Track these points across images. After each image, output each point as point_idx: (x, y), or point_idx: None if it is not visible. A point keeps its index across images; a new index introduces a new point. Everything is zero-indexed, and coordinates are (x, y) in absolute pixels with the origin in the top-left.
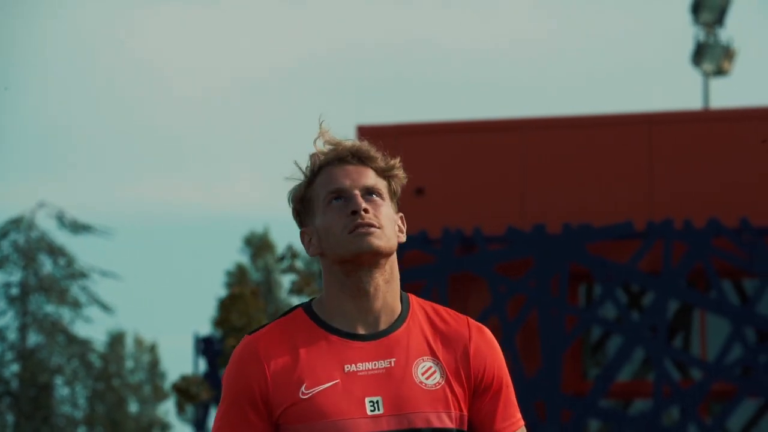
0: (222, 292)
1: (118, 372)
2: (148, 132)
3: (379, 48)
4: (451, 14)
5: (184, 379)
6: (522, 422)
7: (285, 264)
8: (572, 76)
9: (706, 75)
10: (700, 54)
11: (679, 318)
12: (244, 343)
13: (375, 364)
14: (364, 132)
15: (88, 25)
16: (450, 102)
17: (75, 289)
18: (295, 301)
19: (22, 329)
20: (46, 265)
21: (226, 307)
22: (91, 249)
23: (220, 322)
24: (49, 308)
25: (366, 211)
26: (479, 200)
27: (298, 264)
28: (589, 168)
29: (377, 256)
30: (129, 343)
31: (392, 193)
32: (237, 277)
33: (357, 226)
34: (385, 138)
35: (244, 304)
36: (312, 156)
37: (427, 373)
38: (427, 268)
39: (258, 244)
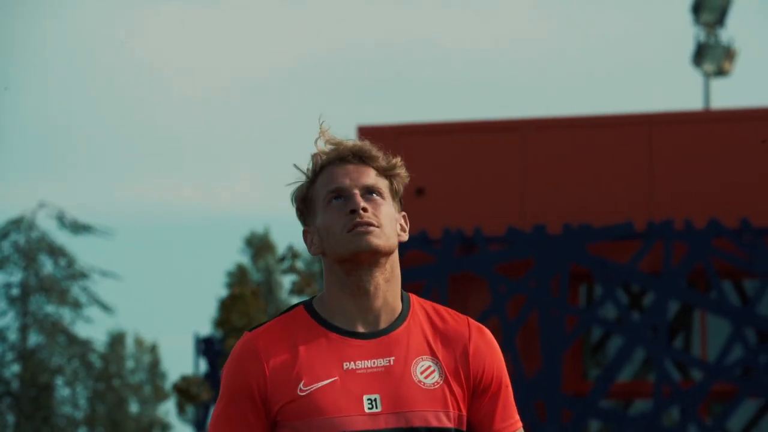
0: (223, 292)
1: (118, 372)
2: (148, 132)
3: (379, 48)
4: (451, 14)
5: (185, 379)
6: (520, 423)
7: (286, 264)
8: (572, 76)
9: (707, 75)
10: (700, 54)
11: (679, 318)
12: (243, 340)
13: (374, 362)
14: (364, 132)
15: (88, 25)
16: (450, 102)
17: (75, 290)
18: (296, 301)
19: (23, 329)
20: (47, 266)
21: (226, 307)
22: (91, 249)
23: (220, 322)
24: (50, 308)
25: (365, 210)
26: (479, 200)
27: (299, 264)
28: (589, 168)
29: (376, 255)
30: (129, 344)
31: (394, 192)
32: (237, 278)
33: (356, 225)
34: (385, 138)
35: (244, 304)
36: (314, 156)
37: (425, 373)
38: (428, 268)
39: (258, 245)
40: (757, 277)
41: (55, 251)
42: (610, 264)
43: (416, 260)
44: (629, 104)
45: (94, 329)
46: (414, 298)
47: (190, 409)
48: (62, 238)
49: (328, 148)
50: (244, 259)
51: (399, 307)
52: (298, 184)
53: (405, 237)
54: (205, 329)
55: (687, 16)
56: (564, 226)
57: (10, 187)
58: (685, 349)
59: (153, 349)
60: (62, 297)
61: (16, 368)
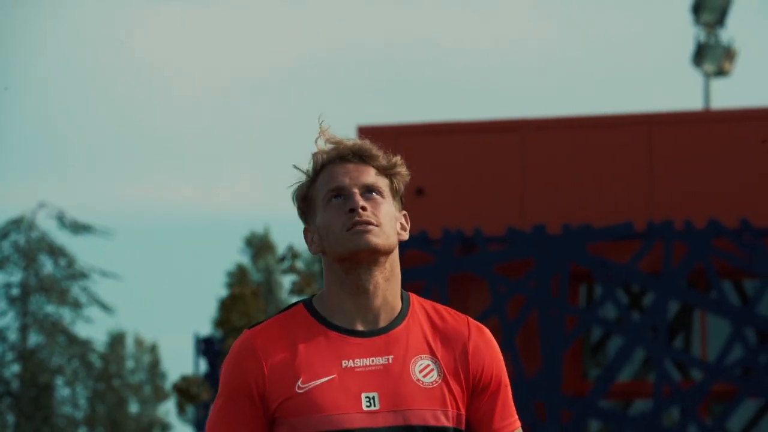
0: (222, 292)
1: (118, 372)
2: (148, 132)
3: (379, 48)
4: (451, 14)
5: (185, 379)
6: (519, 423)
7: (286, 264)
8: (572, 76)
9: (707, 75)
10: (700, 54)
11: (679, 318)
12: (242, 337)
13: (372, 360)
14: (364, 132)
15: (88, 25)
16: (450, 102)
17: (75, 290)
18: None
19: (23, 330)
20: (47, 266)
21: (226, 307)
22: (91, 249)
23: (220, 322)
24: (50, 308)
25: (364, 208)
26: (479, 201)
27: (299, 264)
28: (589, 168)
29: (375, 254)
30: (129, 344)
31: (394, 191)
32: (237, 278)
33: (355, 224)
34: (385, 138)
35: (244, 304)
36: (314, 155)
37: (424, 371)
38: (427, 268)
39: (258, 245)
40: (757, 277)
41: (55, 251)
42: (610, 264)
43: (416, 260)
44: (629, 104)
45: (94, 329)
46: (414, 297)
47: (190, 409)
48: (62, 238)
49: (328, 147)
50: (244, 259)
51: (399, 305)
52: (299, 183)
53: (405, 236)
54: (205, 329)
55: (687, 16)
56: (564, 226)
57: (10, 187)
58: (685, 349)
59: (153, 349)
60: (62, 297)
61: (16, 368)
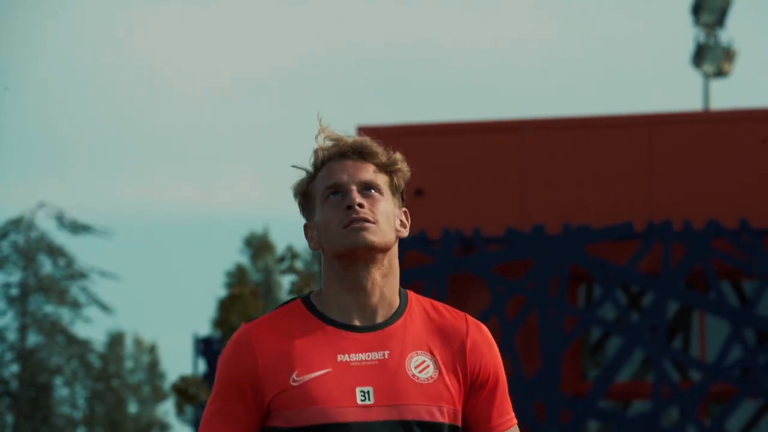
0: (222, 292)
1: (117, 372)
2: (148, 132)
3: (379, 48)
4: (451, 14)
5: (184, 379)
6: (515, 420)
7: (285, 265)
8: (572, 76)
9: (707, 76)
10: (700, 55)
11: (678, 319)
12: (239, 331)
13: (368, 355)
14: (363, 132)
15: (88, 26)
16: (450, 102)
17: (74, 290)
18: None
19: (22, 329)
20: (46, 266)
21: (225, 307)
22: (90, 249)
23: (219, 322)
24: (49, 308)
25: (361, 206)
26: (479, 201)
27: (298, 265)
28: (588, 169)
29: (372, 251)
30: (128, 344)
31: (394, 188)
32: (237, 278)
33: (351, 221)
34: (385, 139)
35: (243, 304)
36: (315, 151)
37: (420, 367)
38: (427, 268)
39: (258, 245)
40: (755, 277)
41: (55, 251)
42: (609, 265)
43: (415, 261)
44: (629, 105)
45: (93, 329)
46: (412, 295)
47: (189, 410)
48: (61, 238)
49: (329, 143)
50: (244, 260)
51: (396, 302)
52: (299, 180)
53: (405, 233)
54: (204, 329)
55: (687, 17)
56: (563, 226)
57: (10, 187)
58: (683, 349)
59: (152, 349)
60: (61, 297)
61: (15, 368)
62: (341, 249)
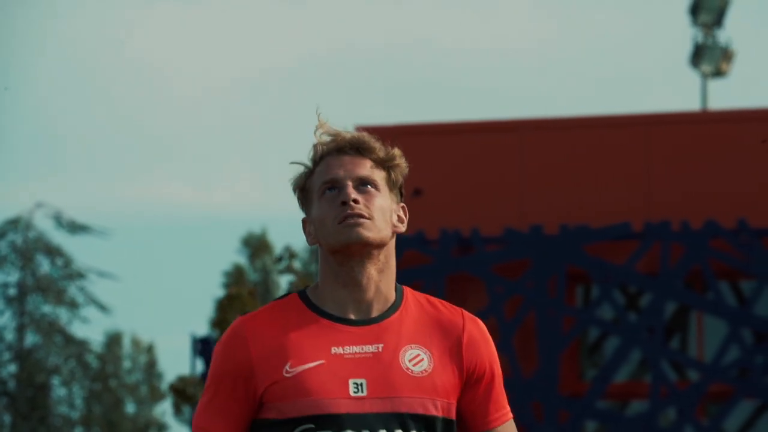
0: (219, 292)
1: (115, 372)
2: (146, 132)
3: (378, 48)
4: (451, 14)
5: (181, 379)
6: (511, 414)
7: (283, 265)
8: (570, 76)
9: (705, 76)
10: (698, 55)
11: (676, 319)
12: (235, 323)
13: (362, 348)
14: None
15: (87, 26)
16: (450, 103)
17: (72, 290)
18: None
19: (20, 329)
20: (44, 266)
21: (223, 307)
22: (88, 249)
23: (217, 322)
24: (47, 308)
25: (356, 201)
26: (477, 201)
27: (296, 265)
28: (587, 169)
29: (367, 247)
30: (126, 344)
31: (392, 184)
32: (234, 278)
33: (346, 216)
34: (383, 138)
35: (241, 304)
36: (314, 146)
37: (414, 360)
38: (425, 268)
39: (256, 245)
40: (754, 278)
41: (52, 251)
42: (608, 265)
43: (413, 261)
44: (627, 105)
45: (90, 329)
46: (408, 290)
47: (186, 410)
48: (59, 238)
49: (327, 139)
50: (241, 259)
51: (392, 297)
52: (298, 174)
53: (402, 228)
54: (202, 329)
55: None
56: (561, 226)
57: (8, 187)
58: (681, 349)
59: (149, 349)
60: (59, 297)
61: (12, 368)
62: (336, 244)
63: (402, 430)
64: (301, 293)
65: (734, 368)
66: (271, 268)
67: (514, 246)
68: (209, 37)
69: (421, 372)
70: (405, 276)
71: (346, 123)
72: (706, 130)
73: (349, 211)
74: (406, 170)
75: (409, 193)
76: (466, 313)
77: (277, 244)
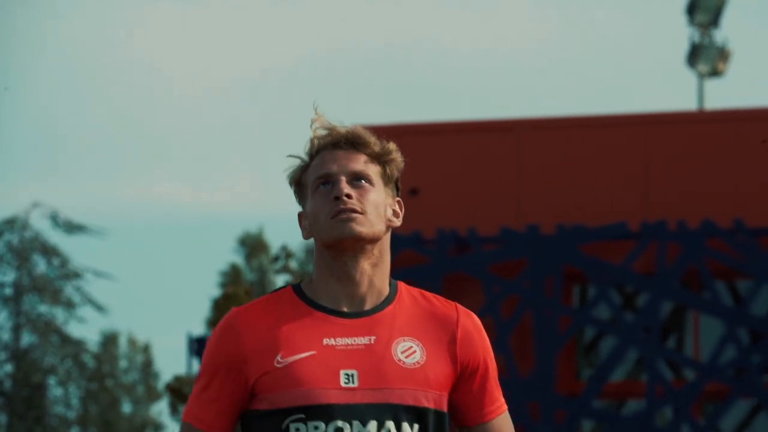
0: (216, 292)
1: (111, 372)
2: (146, 132)
3: (378, 48)
4: (451, 14)
5: (178, 379)
6: (506, 406)
7: (279, 264)
8: (567, 76)
9: (701, 76)
10: (695, 55)
11: (672, 319)
12: (229, 314)
13: (354, 339)
14: None
15: (87, 25)
16: (448, 102)
17: (69, 290)
18: None
19: (16, 329)
20: (40, 265)
21: (220, 307)
22: (85, 249)
23: (213, 322)
24: (43, 308)
25: (349, 196)
26: (474, 201)
27: (292, 264)
28: (583, 169)
29: (360, 242)
30: (122, 344)
31: (387, 178)
32: (231, 278)
33: (339, 211)
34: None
35: (238, 304)
36: (310, 140)
37: (406, 352)
38: (421, 268)
39: (252, 245)
40: (750, 277)
41: (49, 251)
42: (604, 264)
43: (410, 260)
44: (623, 105)
45: (87, 329)
46: (402, 284)
47: (183, 409)
48: (56, 237)
49: (323, 132)
50: (238, 259)
51: (386, 290)
52: (294, 168)
53: (397, 222)
54: (198, 329)
55: (681, 17)
56: (557, 226)
57: (7, 188)
58: (677, 349)
59: (146, 349)
60: (55, 297)
61: (8, 368)
62: (329, 239)
63: (393, 421)
64: (296, 287)
65: (731, 368)
66: (267, 268)
67: (511, 246)
68: (209, 37)
69: (414, 364)
70: (402, 276)
71: (346, 122)
72: (703, 130)
73: (341, 206)
74: (402, 165)
75: (405, 192)
76: (460, 306)
77: (274, 244)
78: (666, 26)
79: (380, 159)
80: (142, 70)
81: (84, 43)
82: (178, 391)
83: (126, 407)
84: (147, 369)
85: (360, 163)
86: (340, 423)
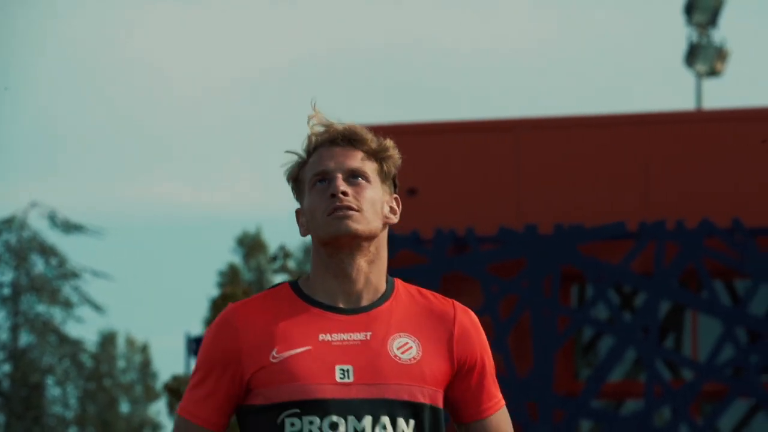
0: (214, 292)
1: (109, 372)
2: (146, 132)
3: (378, 48)
4: (451, 14)
5: (176, 379)
6: (504, 402)
7: (277, 264)
8: (566, 76)
9: (699, 76)
10: (693, 55)
11: (670, 318)
12: (226, 309)
13: (350, 335)
14: None
15: (86, 25)
16: (447, 102)
17: (67, 289)
18: None
19: (14, 329)
20: (38, 265)
21: (218, 307)
22: (83, 249)
23: (211, 322)
24: (41, 308)
25: (345, 194)
26: (472, 201)
27: (290, 264)
28: (582, 168)
29: (356, 239)
30: (120, 343)
31: (384, 175)
32: (229, 277)
33: (335, 209)
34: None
35: None
36: (307, 137)
37: (402, 348)
38: (420, 268)
39: (250, 244)
40: (748, 277)
41: (47, 251)
42: (602, 264)
43: (408, 260)
44: (622, 104)
45: (85, 329)
46: (399, 281)
47: None
48: (54, 237)
49: (320, 129)
50: (236, 259)
51: (383, 287)
52: (292, 164)
53: (394, 219)
54: (197, 329)
55: (679, 17)
56: (556, 226)
57: (7, 188)
58: (676, 348)
59: (144, 348)
60: (53, 296)
61: (6, 368)
62: (326, 237)
63: (388, 416)
64: (293, 283)
65: (729, 367)
66: (265, 268)
67: (510, 245)
68: (209, 37)
69: (410, 360)
70: (400, 276)
71: (344, 120)
72: (701, 130)
73: (337, 204)
74: (399, 161)
75: (404, 192)
76: (457, 303)
77: (272, 244)
78: (664, 26)
79: (377, 156)
80: (142, 70)
81: (84, 43)
82: (176, 391)
83: (124, 407)
84: (145, 369)
85: (357, 160)
86: (335, 418)
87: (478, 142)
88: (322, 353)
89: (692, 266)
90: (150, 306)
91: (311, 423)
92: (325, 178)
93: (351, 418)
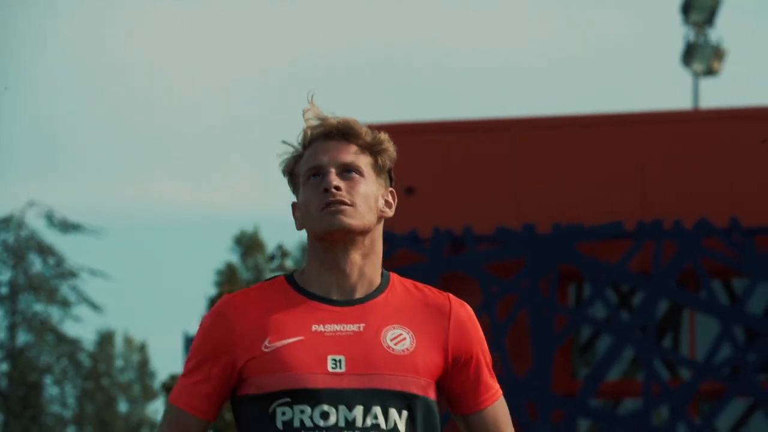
0: (212, 291)
1: (107, 371)
2: (146, 132)
3: (378, 48)
4: (451, 14)
5: (174, 378)
6: (501, 392)
7: (275, 263)
8: (564, 75)
9: (696, 75)
10: (690, 54)
11: (668, 318)
12: (220, 300)
13: (343, 326)
14: None
15: (87, 25)
16: (447, 102)
17: (64, 289)
18: None
19: (11, 328)
20: (36, 264)
21: None
22: (80, 248)
23: None
24: (39, 307)
25: (338, 188)
26: (470, 200)
27: (288, 263)
28: (580, 168)
29: (350, 234)
30: (118, 343)
31: (378, 169)
32: (227, 277)
33: (328, 204)
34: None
35: None
36: (303, 130)
37: (396, 339)
38: (417, 267)
39: (248, 244)
40: (746, 276)
41: (44, 250)
42: (600, 264)
43: (406, 260)
44: (619, 104)
45: (83, 328)
46: (394, 275)
47: None
48: (51, 236)
49: (315, 123)
50: (234, 258)
51: (377, 280)
52: (287, 158)
53: (389, 213)
54: (195, 328)
55: (676, 16)
56: (554, 225)
57: (7, 187)
58: (673, 348)
59: (142, 348)
60: (51, 296)
61: (4, 367)
62: (319, 231)
63: (380, 406)
64: (288, 276)
65: (726, 366)
66: (263, 267)
67: (507, 245)
68: (209, 37)
69: (403, 351)
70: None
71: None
72: (698, 129)
73: (330, 198)
74: (395, 155)
75: (401, 191)
76: (453, 297)
77: (270, 243)
78: (661, 25)
79: (372, 149)
80: (142, 70)
81: (84, 43)
82: None
83: (122, 406)
84: (143, 368)
85: (350, 154)
86: (326, 407)
87: (475, 141)
88: (315, 343)
89: (690, 266)
90: (148, 305)
91: (302, 412)
92: (319, 172)
93: (342, 408)
